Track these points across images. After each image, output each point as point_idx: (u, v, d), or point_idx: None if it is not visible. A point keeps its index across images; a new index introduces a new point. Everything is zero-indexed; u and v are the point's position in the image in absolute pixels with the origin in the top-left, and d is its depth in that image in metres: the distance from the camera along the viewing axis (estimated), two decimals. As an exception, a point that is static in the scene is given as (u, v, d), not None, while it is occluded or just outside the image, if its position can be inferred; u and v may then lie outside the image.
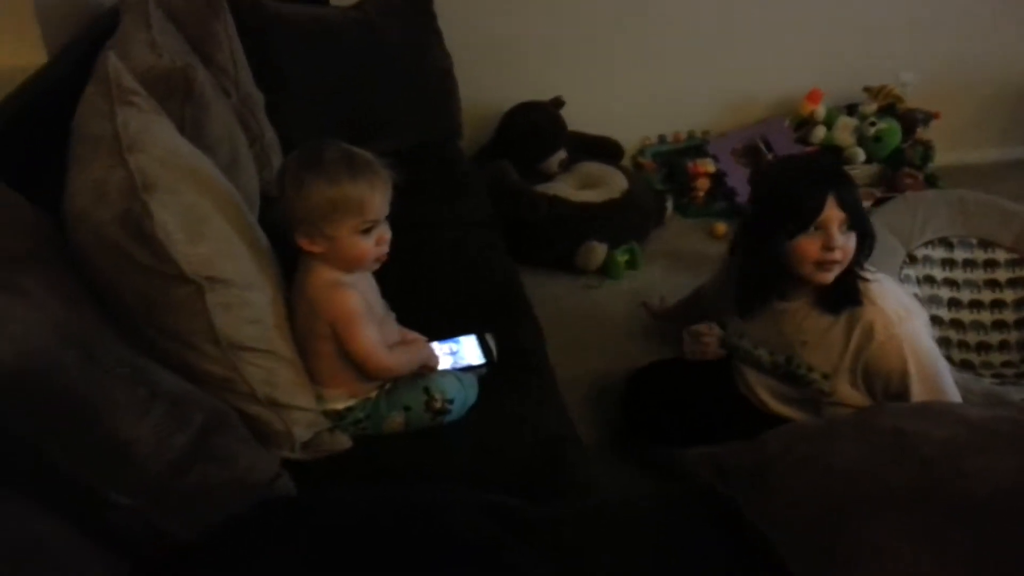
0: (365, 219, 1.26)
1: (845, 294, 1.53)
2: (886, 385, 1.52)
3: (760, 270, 1.59)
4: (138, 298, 1.12)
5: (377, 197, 1.26)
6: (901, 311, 1.51)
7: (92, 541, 0.98)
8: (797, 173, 1.58)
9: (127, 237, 1.08)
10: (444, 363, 1.50)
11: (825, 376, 1.57)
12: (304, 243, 1.28)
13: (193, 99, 1.53)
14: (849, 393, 1.57)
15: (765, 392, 1.71)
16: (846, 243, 1.48)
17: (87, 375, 0.92)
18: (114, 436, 0.94)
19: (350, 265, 1.31)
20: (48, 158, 1.25)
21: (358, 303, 1.31)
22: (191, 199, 1.18)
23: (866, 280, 1.53)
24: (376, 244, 1.30)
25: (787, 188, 1.53)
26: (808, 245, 1.48)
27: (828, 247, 1.47)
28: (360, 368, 1.33)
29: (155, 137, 1.22)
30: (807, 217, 1.47)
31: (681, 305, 2.17)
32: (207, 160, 1.36)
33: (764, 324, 1.66)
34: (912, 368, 1.48)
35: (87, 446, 0.93)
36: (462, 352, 1.54)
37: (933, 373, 1.50)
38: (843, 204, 1.46)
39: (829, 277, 1.50)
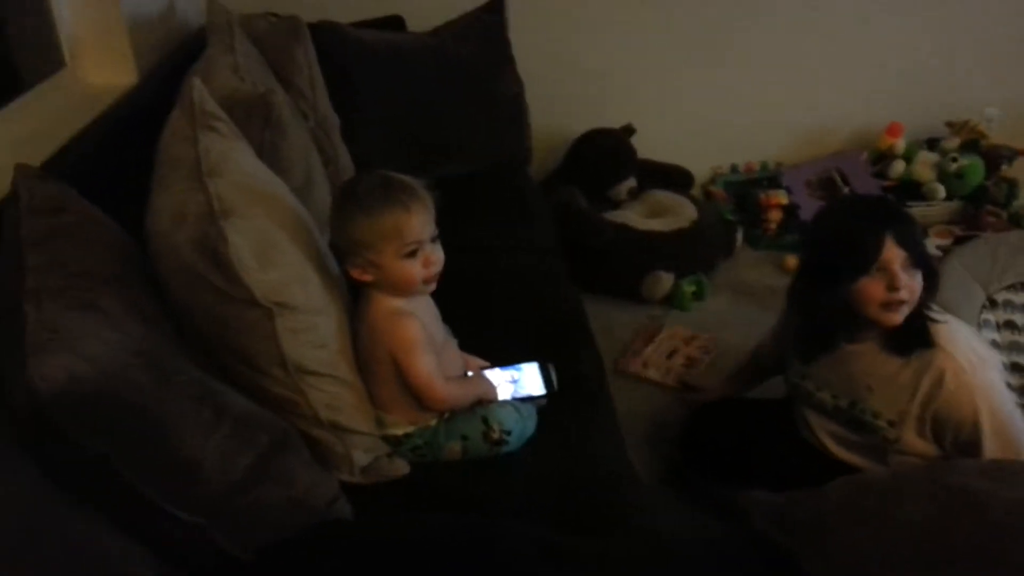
0: (405, 242, 1.27)
1: (915, 335, 1.49)
2: (955, 436, 1.47)
3: (823, 315, 1.56)
4: (210, 320, 1.16)
5: (415, 219, 1.27)
6: (973, 358, 1.46)
7: (153, 555, 1.01)
8: (853, 214, 1.56)
9: (202, 260, 1.12)
10: (504, 392, 1.50)
11: (891, 423, 1.53)
12: (355, 274, 1.30)
13: (272, 124, 1.58)
14: (916, 442, 1.52)
15: (827, 437, 1.67)
16: (911, 282, 1.44)
17: (159, 395, 0.95)
18: (181, 454, 0.97)
19: (402, 290, 1.32)
20: (135, 178, 1.31)
21: (418, 332, 1.32)
22: (265, 225, 1.21)
23: (935, 322, 1.49)
24: (424, 266, 1.30)
25: (845, 230, 1.51)
26: (872, 287, 1.45)
27: (893, 287, 1.44)
28: (418, 397, 1.34)
29: (234, 163, 1.27)
30: (868, 259, 1.44)
31: (738, 372, 2.09)
32: (282, 184, 1.40)
33: (829, 366, 1.62)
34: (984, 420, 1.43)
35: (155, 463, 0.96)
36: (523, 381, 1.53)
37: (1006, 425, 1.45)
38: (903, 242, 1.43)
39: (898, 318, 1.47)
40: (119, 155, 1.52)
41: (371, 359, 1.34)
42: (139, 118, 1.58)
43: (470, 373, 1.52)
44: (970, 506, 0.89)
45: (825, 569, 0.98)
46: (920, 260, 1.45)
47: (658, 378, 2.29)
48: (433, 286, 1.35)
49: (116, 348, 0.93)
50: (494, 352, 1.55)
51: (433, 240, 1.32)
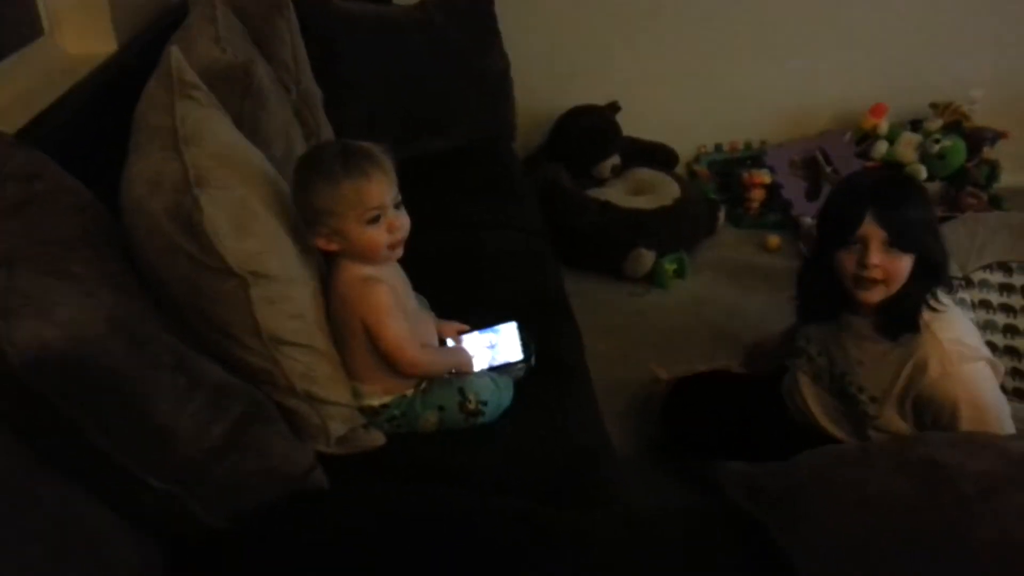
0: (367, 208, 1.27)
1: (901, 321, 1.50)
2: (935, 421, 1.49)
3: (813, 280, 1.61)
4: (185, 289, 1.16)
5: (375, 186, 1.27)
6: (963, 349, 1.47)
7: (128, 522, 1.02)
8: (849, 186, 1.60)
9: (177, 229, 1.12)
10: (483, 358, 1.51)
11: (873, 399, 1.55)
12: (320, 243, 1.30)
13: (252, 94, 1.57)
14: (895, 421, 1.54)
15: (816, 404, 1.68)
16: (889, 262, 1.45)
17: (133, 361, 0.95)
18: (155, 422, 0.97)
19: (369, 257, 1.32)
20: (112, 147, 1.30)
21: (387, 297, 1.33)
22: (241, 194, 1.21)
23: (934, 310, 1.48)
24: (388, 232, 1.31)
25: (836, 200, 1.57)
26: (846, 259, 1.49)
27: (862, 263, 1.45)
28: (390, 362, 1.35)
29: (211, 132, 1.26)
30: (844, 230, 1.48)
31: (765, 346, 2.07)
32: (261, 155, 1.39)
33: (831, 334, 1.64)
34: (964, 409, 1.44)
35: (128, 430, 0.96)
36: (500, 346, 1.53)
37: (987, 418, 1.45)
38: (883, 222, 1.44)
39: (870, 296, 1.48)
40: (96, 124, 1.51)
41: (344, 328, 1.34)
42: (117, 87, 1.57)
43: (450, 342, 1.53)
44: (938, 480, 0.90)
45: (795, 541, 0.99)
46: (908, 244, 1.44)
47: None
48: (399, 252, 1.36)
49: (89, 314, 0.93)
50: (472, 325, 1.56)
51: (396, 206, 1.32)
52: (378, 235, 1.30)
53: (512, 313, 1.56)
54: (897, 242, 1.44)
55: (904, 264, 1.46)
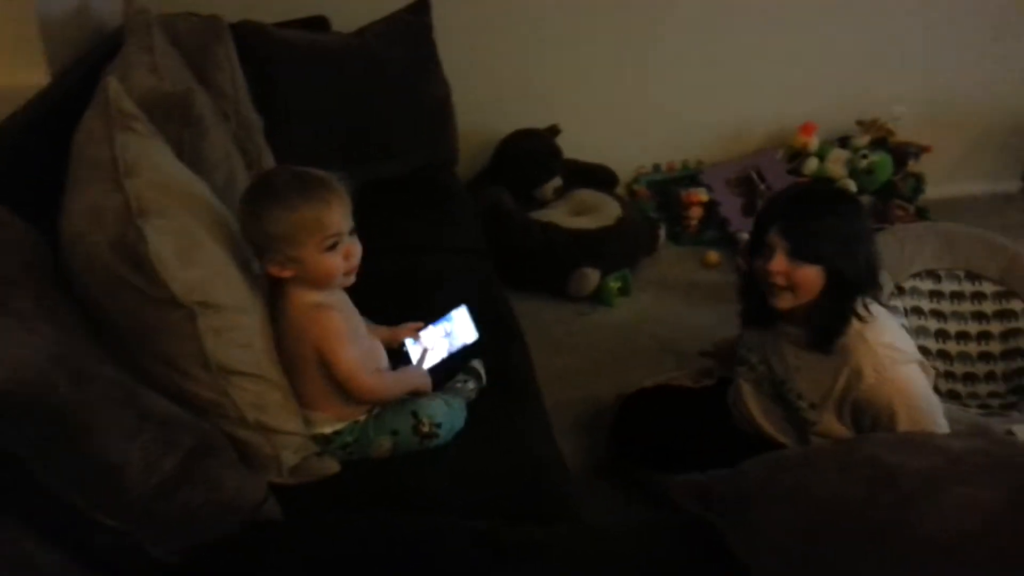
0: (327, 235, 1.27)
1: (820, 332, 1.56)
2: (873, 425, 1.53)
3: (749, 287, 1.68)
4: (131, 322, 1.14)
5: (335, 212, 1.27)
6: (895, 354, 1.52)
7: (79, 562, 0.99)
8: (769, 198, 1.69)
9: (121, 261, 1.10)
10: (441, 349, 1.52)
11: (812, 406, 1.59)
12: (274, 270, 1.29)
13: (192, 123, 1.55)
14: (834, 426, 1.58)
15: (759, 412, 1.72)
16: (792, 271, 1.51)
17: (77, 397, 0.93)
18: (103, 458, 0.96)
19: (322, 283, 1.32)
20: (48, 180, 1.27)
21: (341, 323, 1.32)
22: (185, 224, 1.20)
23: (862, 320, 1.53)
24: (344, 259, 1.31)
25: (758, 211, 1.66)
26: (758, 265, 1.57)
27: (765, 270, 1.54)
28: (345, 389, 1.34)
29: (152, 162, 1.25)
30: (754, 238, 1.59)
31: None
32: (203, 184, 1.38)
33: (770, 342, 1.69)
34: (900, 412, 1.49)
35: (77, 468, 0.94)
36: (455, 331, 1.55)
37: (922, 419, 1.50)
38: (786, 234, 1.51)
39: (778, 302, 1.56)
40: (30, 157, 1.48)
41: (295, 356, 1.33)
42: (52, 119, 1.54)
43: (410, 342, 1.52)
44: (881, 479, 0.93)
45: (748, 547, 1.01)
46: (809, 256, 1.50)
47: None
48: (352, 278, 1.36)
49: (30, 351, 0.91)
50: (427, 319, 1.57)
51: (351, 233, 1.32)
52: (335, 262, 1.29)
53: (460, 299, 1.58)
54: (798, 253, 1.51)
55: (808, 274, 1.51)
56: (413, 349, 1.52)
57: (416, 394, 1.45)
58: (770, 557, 0.98)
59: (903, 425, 1.49)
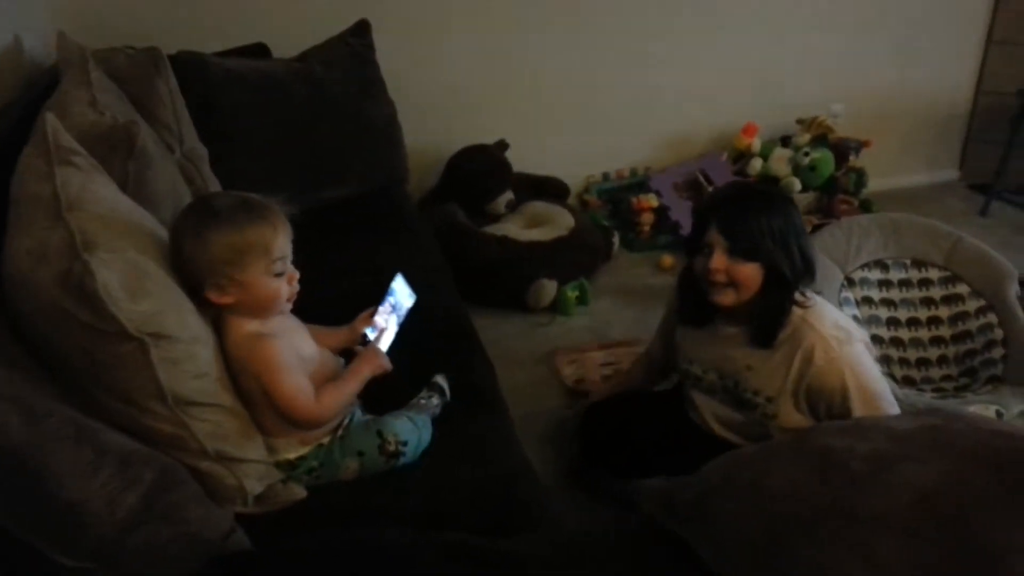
0: (273, 259, 1.26)
1: (762, 329, 1.60)
2: (828, 407, 1.56)
3: (687, 285, 1.71)
4: (82, 358, 1.11)
5: (280, 236, 1.26)
6: (840, 334, 1.56)
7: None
8: (706, 198, 1.71)
9: (68, 297, 1.08)
10: (392, 323, 1.49)
11: (769, 399, 1.62)
12: (213, 296, 1.25)
13: (135, 155, 1.53)
14: (793, 416, 1.60)
15: (712, 418, 1.75)
16: (732, 269, 1.55)
17: (29, 438, 0.91)
18: (62, 498, 0.93)
19: (265, 309, 1.29)
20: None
21: (278, 352, 1.28)
22: (132, 256, 1.17)
23: (802, 307, 1.58)
24: (288, 283, 1.30)
25: (696, 211, 1.69)
26: (698, 263, 1.61)
27: (705, 267, 1.57)
28: (288, 420, 1.31)
29: (95, 196, 1.22)
30: (694, 237, 1.62)
31: (626, 374, 2.18)
32: (149, 216, 1.36)
33: (712, 348, 1.71)
34: (852, 389, 1.53)
35: (35, 509, 0.92)
36: (399, 300, 1.53)
37: (873, 393, 1.54)
38: (724, 231, 1.55)
39: (720, 299, 1.59)
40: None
41: (244, 387, 1.30)
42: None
43: (369, 331, 1.46)
44: (831, 463, 0.94)
45: (710, 546, 1.02)
46: (748, 253, 1.54)
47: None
48: (291, 304, 1.34)
49: (-23, 393, 0.89)
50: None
51: (290, 259, 1.31)
52: (280, 286, 1.28)
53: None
54: (736, 250, 1.54)
55: (748, 271, 1.55)
56: (372, 337, 1.47)
57: (378, 371, 1.41)
58: (733, 553, 0.98)
59: (856, 403, 1.53)
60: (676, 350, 1.85)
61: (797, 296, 1.58)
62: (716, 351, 1.70)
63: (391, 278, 1.55)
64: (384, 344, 1.47)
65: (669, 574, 1.10)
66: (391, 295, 1.52)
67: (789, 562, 0.87)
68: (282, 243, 1.27)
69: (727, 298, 1.58)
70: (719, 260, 1.55)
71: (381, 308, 1.49)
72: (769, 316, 1.58)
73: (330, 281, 1.61)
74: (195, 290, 1.26)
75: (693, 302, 1.70)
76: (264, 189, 1.34)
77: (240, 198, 1.28)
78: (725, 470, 1.10)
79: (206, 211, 1.26)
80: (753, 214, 1.55)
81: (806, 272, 1.58)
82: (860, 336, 1.60)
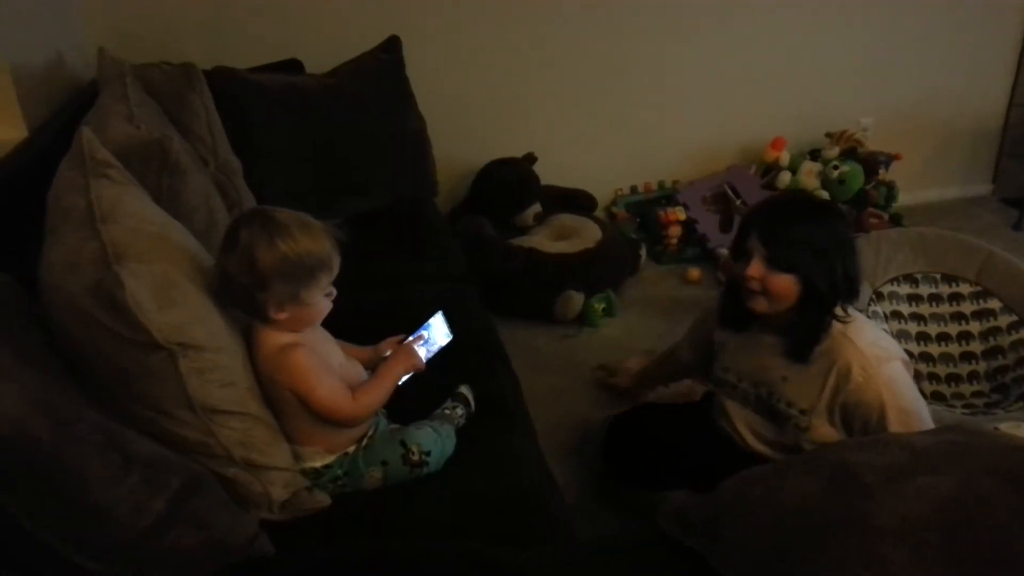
0: (333, 276, 1.29)
1: (796, 343, 1.58)
2: (864, 424, 1.55)
3: (731, 290, 1.70)
4: (111, 367, 1.14)
5: (336, 255, 1.29)
6: (879, 352, 1.54)
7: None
8: (755, 206, 1.74)
9: (98, 307, 1.10)
10: (421, 354, 1.49)
11: (803, 412, 1.60)
12: (273, 312, 1.27)
13: (169, 169, 1.57)
14: (826, 430, 1.59)
15: (746, 429, 1.73)
16: (768, 278, 1.54)
17: (60, 443, 0.93)
18: (89, 502, 0.95)
19: (303, 325, 1.32)
20: (27, 232, 1.28)
21: (308, 359, 1.30)
22: (162, 267, 1.20)
23: (842, 322, 1.56)
24: (331, 301, 1.33)
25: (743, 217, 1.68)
26: (737, 268, 1.61)
27: (743, 274, 1.56)
28: (329, 423, 1.34)
29: (128, 208, 1.25)
30: (737, 244, 1.61)
31: (655, 364, 2.18)
32: (180, 227, 1.39)
33: (749, 356, 1.70)
34: (889, 409, 1.51)
35: (63, 514, 0.94)
36: (432, 336, 1.53)
37: (910, 413, 1.52)
38: (765, 241, 1.54)
39: (753, 304, 1.59)
40: (8, 210, 1.49)
41: (274, 396, 1.32)
42: (29, 172, 1.56)
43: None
44: (844, 477, 0.94)
45: (724, 562, 1.02)
46: (784, 265, 1.52)
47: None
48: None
49: (11, 398, 0.92)
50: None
51: None
52: (328, 305, 1.31)
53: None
54: (774, 260, 1.53)
55: (782, 283, 1.54)
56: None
57: (414, 369, 1.44)
58: (746, 568, 0.98)
59: (892, 422, 1.51)
60: (713, 356, 1.84)
61: (838, 311, 1.56)
62: (753, 359, 1.69)
63: (431, 312, 1.56)
64: (404, 376, 1.46)
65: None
66: (426, 328, 1.53)
67: (797, 573, 0.87)
68: (338, 261, 1.30)
69: (760, 305, 1.58)
70: (756, 268, 1.54)
71: (412, 337, 1.51)
72: (804, 331, 1.57)
73: (357, 293, 1.62)
74: (242, 302, 1.27)
75: (734, 305, 1.68)
76: (295, 201, 1.36)
77: (295, 214, 1.28)
78: (739, 486, 1.10)
79: (270, 222, 1.24)
80: (796, 226, 1.54)
81: (848, 291, 1.55)
82: (899, 354, 1.58)
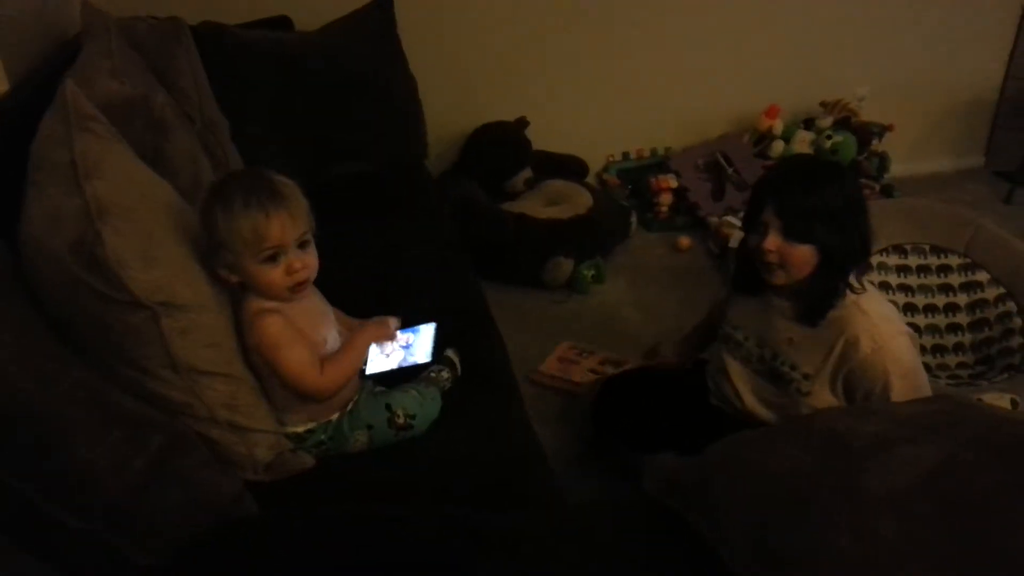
0: (262, 248, 1.23)
1: (809, 309, 1.57)
2: (867, 395, 1.55)
3: (743, 256, 1.67)
4: (94, 326, 1.13)
5: (274, 224, 1.23)
6: (890, 326, 1.53)
7: (55, 568, 0.98)
8: (765, 174, 1.68)
9: (80, 264, 1.09)
10: (396, 357, 1.47)
11: (806, 376, 1.60)
12: (223, 274, 1.27)
13: (154, 125, 1.54)
14: (827, 397, 1.59)
15: (746, 388, 1.73)
16: (785, 250, 1.51)
17: (43, 400, 0.93)
18: (72, 459, 0.95)
19: (266, 295, 1.29)
20: (8, 186, 1.26)
21: (278, 327, 1.28)
22: (146, 225, 1.18)
23: (855, 293, 1.55)
24: (287, 273, 1.26)
25: (754, 185, 1.64)
26: (751, 241, 1.57)
27: (760, 247, 1.53)
28: (297, 392, 1.31)
29: (112, 164, 1.23)
30: (750, 216, 1.58)
31: (695, 331, 2.14)
32: (166, 185, 1.37)
33: (759, 316, 1.69)
34: (894, 383, 1.51)
35: (44, 470, 0.94)
36: (416, 346, 1.50)
37: (914, 388, 1.53)
38: (781, 212, 1.51)
39: (771, 278, 1.56)
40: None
41: (254, 362, 1.31)
42: (11, 126, 1.52)
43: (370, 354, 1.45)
44: (832, 445, 0.94)
45: (711, 526, 1.02)
46: (801, 235, 1.50)
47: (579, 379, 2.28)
48: (304, 292, 1.32)
49: (-6, 354, 0.91)
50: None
51: (301, 245, 1.28)
52: (275, 275, 1.26)
53: (435, 316, 1.55)
54: (791, 232, 1.50)
55: (800, 253, 1.51)
56: (371, 352, 1.45)
57: (383, 340, 1.42)
58: (732, 532, 0.99)
59: (896, 395, 1.51)
60: (721, 315, 1.83)
61: (852, 282, 1.55)
62: (762, 319, 1.68)
63: (427, 320, 1.52)
64: (372, 367, 1.44)
65: (668, 551, 1.10)
66: (413, 332, 1.50)
67: (787, 544, 0.87)
68: (277, 232, 1.23)
69: (779, 278, 1.55)
70: (772, 241, 1.51)
71: (400, 335, 1.48)
72: (820, 295, 1.55)
73: (344, 258, 1.61)
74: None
75: (747, 274, 1.66)
76: (282, 161, 1.34)
77: (249, 181, 1.26)
78: (728, 451, 1.10)
79: (216, 190, 1.25)
80: (811, 194, 1.50)
81: (863, 253, 1.55)
82: (905, 329, 1.57)
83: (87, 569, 1.03)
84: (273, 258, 1.25)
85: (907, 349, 1.54)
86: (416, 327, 1.50)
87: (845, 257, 1.51)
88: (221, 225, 1.22)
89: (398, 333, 1.47)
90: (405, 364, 1.48)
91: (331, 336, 1.40)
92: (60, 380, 0.97)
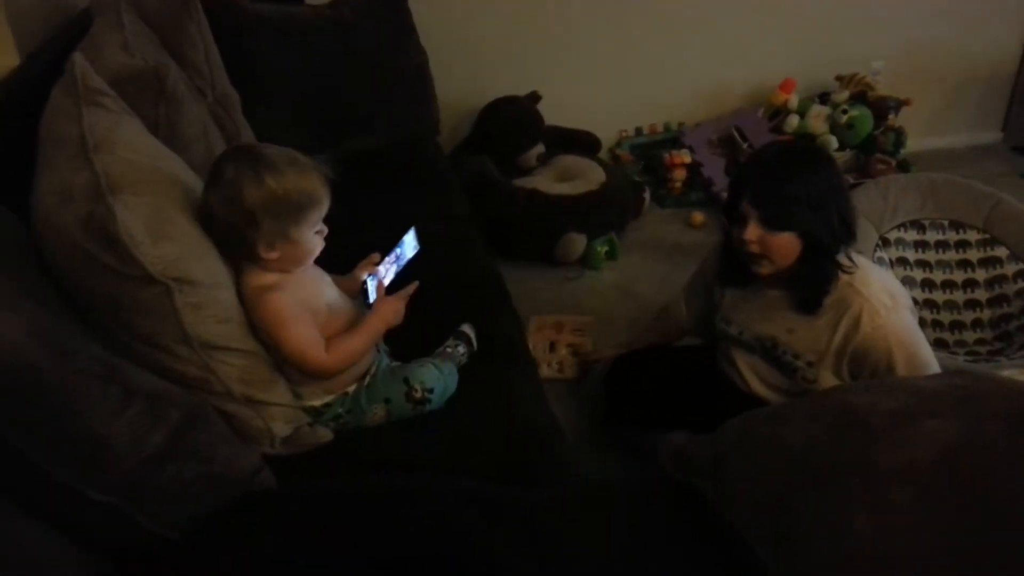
0: (322, 214, 1.25)
1: (804, 297, 1.56)
2: (873, 373, 1.54)
3: (729, 248, 1.66)
4: (106, 301, 1.12)
5: (326, 191, 1.25)
6: (888, 300, 1.52)
7: (72, 540, 0.99)
8: (740, 164, 1.65)
9: (91, 240, 1.08)
10: (391, 273, 1.46)
11: (810, 363, 1.59)
12: (264, 251, 1.23)
13: (166, 98, 1.53)
14: (832, 380, 1.58)
15: (752, 375, 1.72)
16: (764, 238, 1.50)
17: (61, 373, 0.93)
18: (89, 433, 0.95)
19: (296, 265, 1.28)
20: (19, 161, 1.25)
21: (282, 304, 1.26)
22: (157, 200, 1.17)
23: (848, 272, 1.53)
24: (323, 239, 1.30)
25: (732, 176, 1.64)
26: (734, 233, 1.56)
27: (741, 239, 1.52)
28: (300, 370, 1.30)
29: (122, 137, 1.22)
30: (730, 208, 1.56)
31: (645, 331, 2.15)
32: (177, 159, 1.36)
33: (753, 310, 1.68)
34: (898, 357, 1.50)
35: (63, 444, 0.94)
36: (404, 251, 1.51)
37: (919, 362, 1.52)
38: (756, 203, 1.49)
39: (758, 269, 1.56)
40: (2, 139, 1.45)
41: (261, 336, 1.29)
42: (21, 100, 1.51)
43: (370, 281, 1.42)
44: (849, 420, 0.93)
45: (727, 501, 1.02)
46: (782, 224, 1.48)
47: (557, 375, 2.22)
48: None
49: (12, 329, 0.90)
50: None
51: None
52: (319, 243, 1.28)
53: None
54: (770, 221, 1.49)
55: (782, 241, 1.50)
56: (371, 285, 1.43)
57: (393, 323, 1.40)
58: (747, 507, 0.98)
59: (901, 370, 1.50)
60: (714, 309, 1.82)
61: (843, 260, 1.53)
62: (756, 313, 1.67)
63: (405, 230, 1.53)
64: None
65: (684, 526, 1.10)
66: (400, 247, 1.50)
67: (803, 519, 0.87)
68: (329, 200, 1.25)
69: (764, 268, 1.55)
70: (752, 231, 1.50)
71: (387, 258, 1.47)
72: (813, 283, 1.54)
73: (356, 231, 1.60)
74: (229, 240, 1.24)
75: (734, 266, 1.65)
76: (294, 136, 1.32)
77: (284, 150, 1.24)
78: (743, 427, 1.10)
79: (258, 157, 1.21)
80: (786, 181, 1.48)
81: (845, 234, 1.52)
82: (905, 301, 1.56)
83: (106, 539, 1.03)
84: (321, 228, 1.27)
85: (907, 322, 1.53)
86: (400, 241, 1.50)
87: (828, 240, 1.50)
88: (292, 182, 1.19)
89: (385, 258, 1.47)
90: (400, 268, 1.49)
91: (332, 298, 1.38)
92: (77, 354, 0.97)
